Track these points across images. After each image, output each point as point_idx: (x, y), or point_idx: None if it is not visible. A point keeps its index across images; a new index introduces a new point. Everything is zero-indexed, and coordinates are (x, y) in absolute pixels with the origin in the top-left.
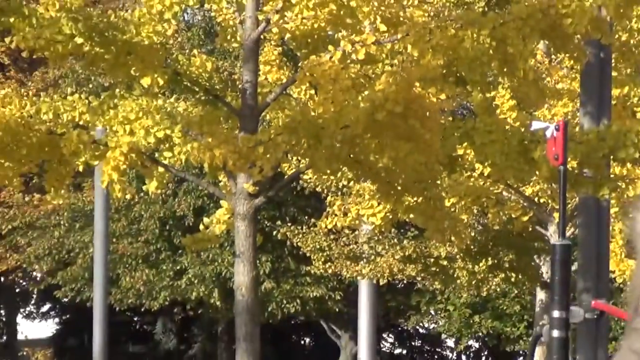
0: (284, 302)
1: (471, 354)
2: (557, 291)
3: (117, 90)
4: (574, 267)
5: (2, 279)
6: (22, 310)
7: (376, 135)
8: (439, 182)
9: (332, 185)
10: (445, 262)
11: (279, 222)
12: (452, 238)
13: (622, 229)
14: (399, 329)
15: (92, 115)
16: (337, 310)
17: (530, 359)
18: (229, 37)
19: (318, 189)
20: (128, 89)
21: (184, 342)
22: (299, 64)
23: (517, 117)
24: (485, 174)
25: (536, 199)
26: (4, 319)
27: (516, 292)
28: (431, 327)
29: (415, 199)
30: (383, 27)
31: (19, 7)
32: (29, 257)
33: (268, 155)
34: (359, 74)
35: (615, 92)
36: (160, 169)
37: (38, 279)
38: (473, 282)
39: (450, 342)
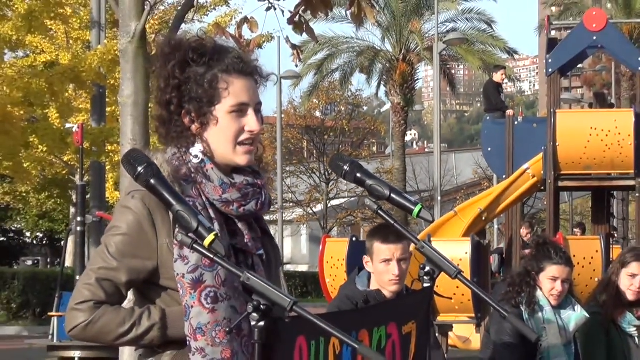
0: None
1: None
2: (79, 207)
3: None
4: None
5: None
6: None
7: None
8: (21, 154)
9: None
10: (24, 194)
11: None
12: (27, 182)
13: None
14: None
15: None
16: None
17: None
18: None
19: None
20: None
21: None
22: None
23: (59, 122)
24: (45, 150)
25: (70, 162)
26: None
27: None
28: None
29: (10, 163)
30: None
31: None
32: None
33: None
34: None
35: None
36: None
37: None
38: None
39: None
